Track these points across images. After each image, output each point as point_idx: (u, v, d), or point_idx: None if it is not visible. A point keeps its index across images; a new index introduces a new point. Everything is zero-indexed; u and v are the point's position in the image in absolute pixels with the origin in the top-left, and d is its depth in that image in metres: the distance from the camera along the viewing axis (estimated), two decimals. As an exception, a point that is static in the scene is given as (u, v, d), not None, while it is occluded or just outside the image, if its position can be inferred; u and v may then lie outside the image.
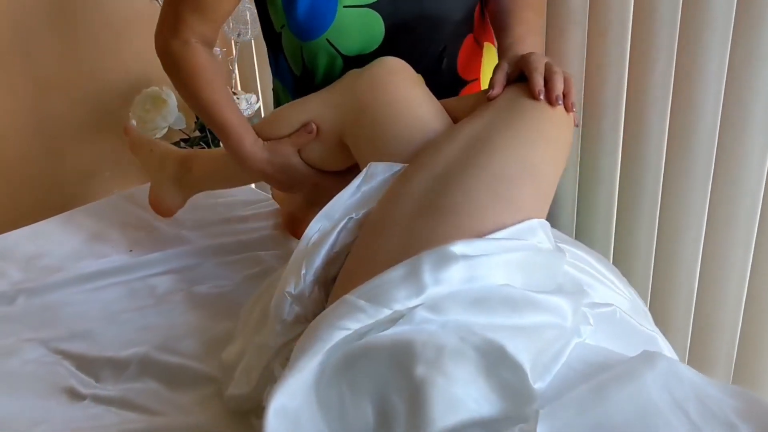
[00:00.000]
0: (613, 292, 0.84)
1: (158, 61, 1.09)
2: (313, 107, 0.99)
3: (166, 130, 1.73)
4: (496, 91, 0.91)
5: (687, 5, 0.98)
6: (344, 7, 0.98)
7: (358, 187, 0.88)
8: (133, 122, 1.47)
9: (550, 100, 0.86)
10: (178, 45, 1.03)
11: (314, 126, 0.97)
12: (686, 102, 1.01)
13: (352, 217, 0.86)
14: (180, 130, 1.80)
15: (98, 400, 0.90)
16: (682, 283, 1.11)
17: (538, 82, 0.87)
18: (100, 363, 0.96)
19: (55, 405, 0.90)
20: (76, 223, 1.33)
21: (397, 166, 0.88)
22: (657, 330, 0.84)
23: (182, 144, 1.82)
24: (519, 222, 0.76)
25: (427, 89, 0.96)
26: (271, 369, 0.81)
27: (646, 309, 0.90)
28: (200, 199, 1.30)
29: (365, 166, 0.90)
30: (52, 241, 1.28)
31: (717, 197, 1.04)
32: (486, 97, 0.92)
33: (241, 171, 1.07)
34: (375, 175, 0.88)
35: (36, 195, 1.74)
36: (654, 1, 1.01)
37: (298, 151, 1.01)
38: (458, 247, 0.70)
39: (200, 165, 1.20)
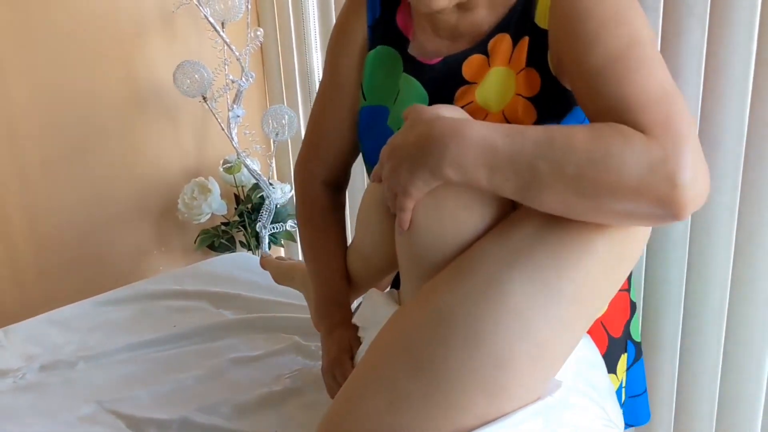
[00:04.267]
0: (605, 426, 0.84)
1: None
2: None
3: (209, 215, 1.93)
4: None
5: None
6: None
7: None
8: (268, 252, 1.48)
9: None
10: (303, 179, 1.14)
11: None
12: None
13: None
14: (221, 215, 2.00)
15: (144, 453, 1.04)
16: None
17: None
18: (147, 423, 1.08)
19: None
20: (127, 298, 1.50)
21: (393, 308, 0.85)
22: None
23: (222, 227, 2.01)
24: (510, 410, 0.71)
25: None
26: None
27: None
28: (245, 287, 1.44)
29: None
30: (106, 314, 1.45)
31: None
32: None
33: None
34: (371, 302, 0.92)
35: (95, 267, 1.92)
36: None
37: None
38: None
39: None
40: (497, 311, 0.70)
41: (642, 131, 0.68)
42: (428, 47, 0.98)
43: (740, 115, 1.09)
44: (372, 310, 0.95)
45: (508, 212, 0.77)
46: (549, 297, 0.71)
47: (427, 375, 0.71)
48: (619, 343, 0.99)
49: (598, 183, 0.66)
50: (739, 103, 1.08)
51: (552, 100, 0.87)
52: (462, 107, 0.87)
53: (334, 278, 1.07)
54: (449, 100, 0.93)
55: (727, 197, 1.12)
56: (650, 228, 0.78)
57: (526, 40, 0.88)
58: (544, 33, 0.86)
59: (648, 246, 1.25)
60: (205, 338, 1.34)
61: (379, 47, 1.03)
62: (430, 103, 0.93)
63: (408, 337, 0.74)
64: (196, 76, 1.73)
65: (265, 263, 1.33)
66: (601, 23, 0.77)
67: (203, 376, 1.21)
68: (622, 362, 1.00)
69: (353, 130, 1.08)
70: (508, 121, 0.88)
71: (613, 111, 0.71)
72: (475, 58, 0.92)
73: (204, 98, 1.79)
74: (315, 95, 1.16)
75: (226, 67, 1.81)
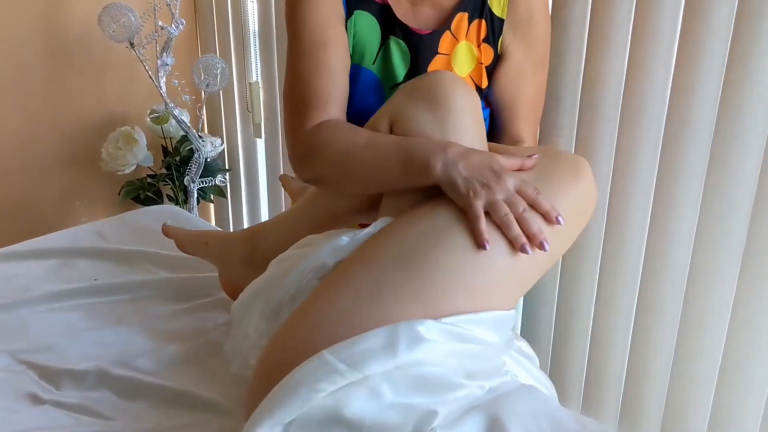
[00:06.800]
0: (533, 379, 0.96)
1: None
2: None
3: (134, 166, 1.87)
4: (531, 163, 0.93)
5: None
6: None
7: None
8: (168, 222, 1.31)
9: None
10: (309, 130, 1.03)
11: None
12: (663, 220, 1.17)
13: (326, 264, 0.91)
14: (148, 167, 1.94)
15: (57, 405, 1.00)
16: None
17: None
18: (61, 373, 1.06)
19: (18, 407, 1.00)
20: (49, 248, 1.45)
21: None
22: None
23: (149, 179, 1.96)
24: (482, 308, 0.82)
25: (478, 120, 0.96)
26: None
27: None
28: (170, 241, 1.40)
29: None
30: (24, 264, 1.39)
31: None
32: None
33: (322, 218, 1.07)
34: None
35: (13, 217, 1.85)
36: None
37: None
38: (428, 330, 0.78)
39: (269, 236, 1.17)
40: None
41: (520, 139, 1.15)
42: (418, 18, 1.11)
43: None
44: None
45: None
46: None
47: (416, 268, 0.82)
48: None
49: None
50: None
51: (494, 70, 1.15)
52: None
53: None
54: (425, 67, 1.11)
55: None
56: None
57: (483, 23, 1.11)
58: (500, 21, 1.12)
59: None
60: (126, 292, 1.31)
61: (357, 12, 1.10)
62: (412, 68, 1.11)
63: (402, 241, 0.85)
64: (123, 20, 1.66)
65: (168, 230, 1.28)
66: (545, 53, 1.16)
67: (123, 329, 1.19)
68: None
69: (348, 86, 1.09)
70: (475, 84, 1.13)
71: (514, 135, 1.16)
72: (448, 34, 1.11)
73: (131, 44, 1.72)
74: (287, 61, 1.10)
75: (156, 12, 1.74)
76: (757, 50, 1.01)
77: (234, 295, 1.16)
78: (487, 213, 0.85)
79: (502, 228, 0.84)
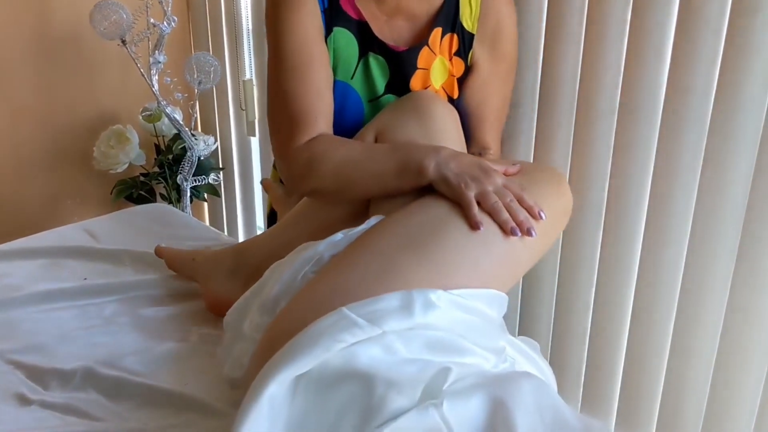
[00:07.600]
0: (531, 365, 0.97)
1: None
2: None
3: (127, 165, 1.86)
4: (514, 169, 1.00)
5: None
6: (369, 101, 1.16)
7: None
8: (162, 244, 1.34)
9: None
10: (302, 147, 1.06)
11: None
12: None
13: (323, 257, 0.94)
14: (140, 165, 1.93)
15: (44, 405, 0.99)
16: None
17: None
18: (49, 373, 1.05)
19: (5, 408, 0.99)
20: (39, 247, 1.43)
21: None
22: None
23: (142, 178, 1.95)
24: (481, 286, 0.88)
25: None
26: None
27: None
28: (161, 241, 1.39)
29: None
30: (15, 262, 1.38)
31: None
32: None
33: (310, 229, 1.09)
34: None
35: (3, 216, 1.84)
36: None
37: None
38: (439, 298, 0.83)
39: (260, 248, 1.19)
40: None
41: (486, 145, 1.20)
42: (394, 32, 1.15)
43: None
44: None
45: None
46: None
47: (419, 251, 0.87)
48: None
49: None
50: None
51: (463, 81, 1.20)
52: (424, 89, 1.17)
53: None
54: (406, 82, 1.15)
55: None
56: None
57: (455, 37, 1.16)
58: (471, 35, 1.17)
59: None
60: (116, 292, 1.29)
61: (336, 29, 1.12)
62: (390, 82, 1.15)
63: (402, 229, 0.91)
64: (114, 17, 1.65)
65: (161, 251, 1.31)
66: (512, 66, 1.22)
67: (112, 328, 1.18)
68: None
69: (332, 101, 1.12)
70: (447, 94, 1.18)
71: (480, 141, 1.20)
72: (426, 49, 1.15)
73: (123, 42, 1.71)
74: (269, 77, 1.11)
75: (148, 9, 1.73)
76: (752, 47, 1.00)
77: (219, 311, 1.15)
78: (478, 203, 0.92)
79: (492, 214, 0.91)
